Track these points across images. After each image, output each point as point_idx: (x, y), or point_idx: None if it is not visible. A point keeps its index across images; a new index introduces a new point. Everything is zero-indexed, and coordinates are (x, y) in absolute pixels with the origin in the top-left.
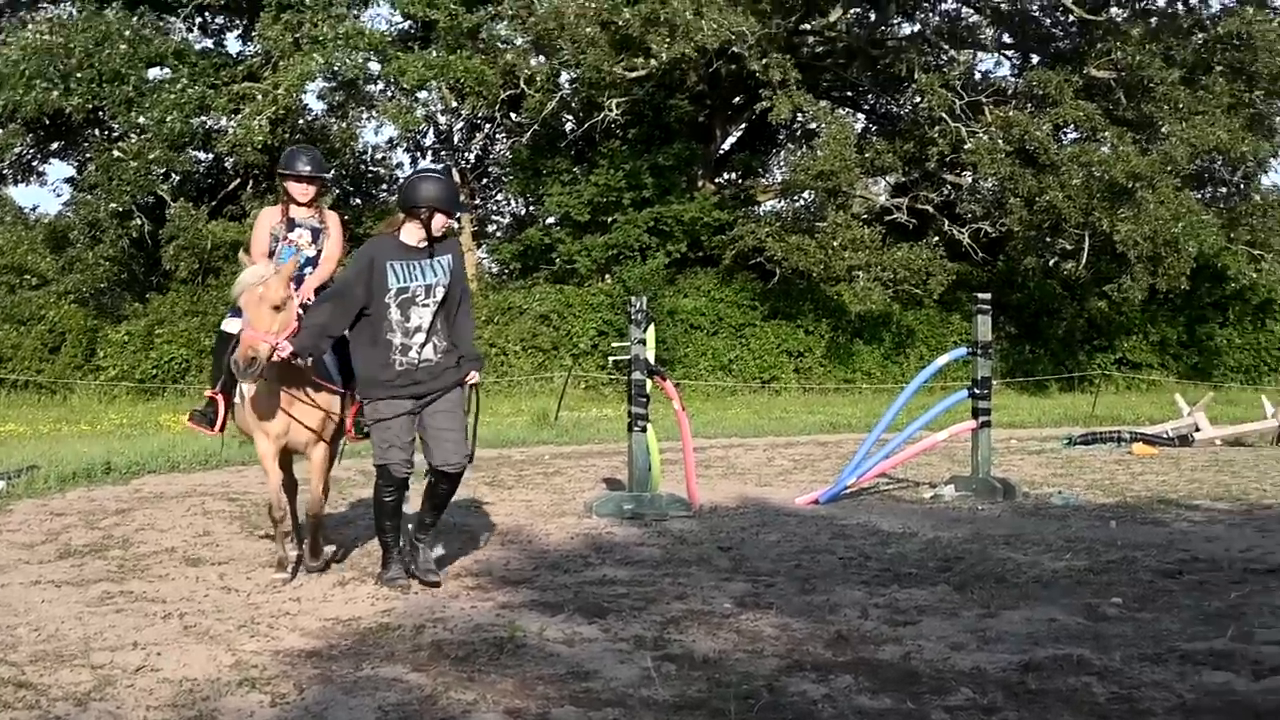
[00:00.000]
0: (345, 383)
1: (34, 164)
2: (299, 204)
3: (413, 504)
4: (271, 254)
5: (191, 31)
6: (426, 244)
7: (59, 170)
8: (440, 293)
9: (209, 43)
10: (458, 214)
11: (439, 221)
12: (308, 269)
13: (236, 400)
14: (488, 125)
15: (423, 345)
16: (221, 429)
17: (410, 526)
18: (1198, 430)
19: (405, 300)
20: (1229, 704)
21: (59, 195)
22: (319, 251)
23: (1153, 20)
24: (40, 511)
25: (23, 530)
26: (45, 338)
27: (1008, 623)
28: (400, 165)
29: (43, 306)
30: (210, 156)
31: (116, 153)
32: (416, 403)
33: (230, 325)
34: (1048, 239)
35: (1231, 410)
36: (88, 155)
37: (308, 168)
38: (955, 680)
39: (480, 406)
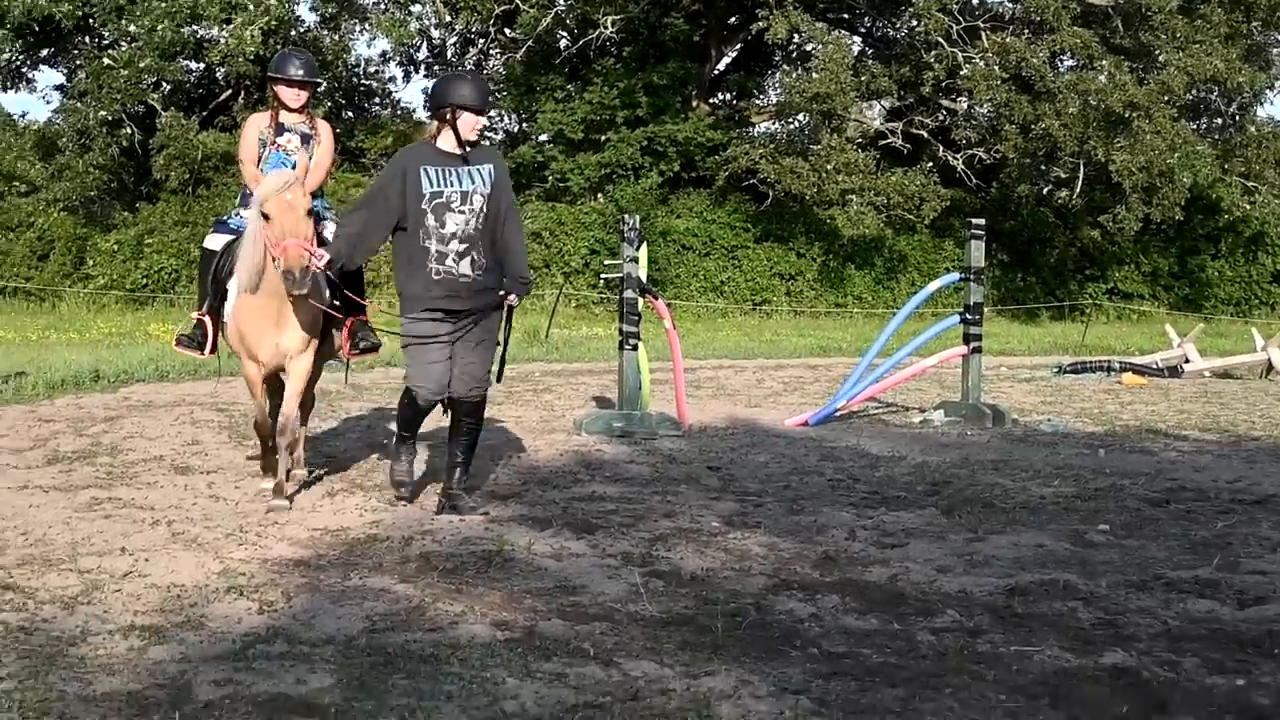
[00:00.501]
0: (343, 309)
1: (23, 70)
2: (290, 109)
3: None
4: (260, 160)
5: None
6: (459, 150)
7: (49, 77)
8: (478, 201)
9: None
10: (488, 113)
11: (468, 122)
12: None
13: (225, 320)
14: (481, 40)
15: (460, 255)
16: (212, 351)
17: (447, 469)
18: (1187, 361)
19: (439, 205)
20: (1213, 631)
21: (49, 102)
22: (310, 157)
23: None
24: (28, 418)
25: (10, 435)
26: (34, 245)
27: (994, 547)
28: (393, 79)
29: (31, 213)
30: (201, 66)
31: (107, 60)
32: (454, 325)
33: (214, 241)
34: (1042, 167)
35: (1221, 343)
36: (78, 62)
37: (300, 72)
38: (941, 603)
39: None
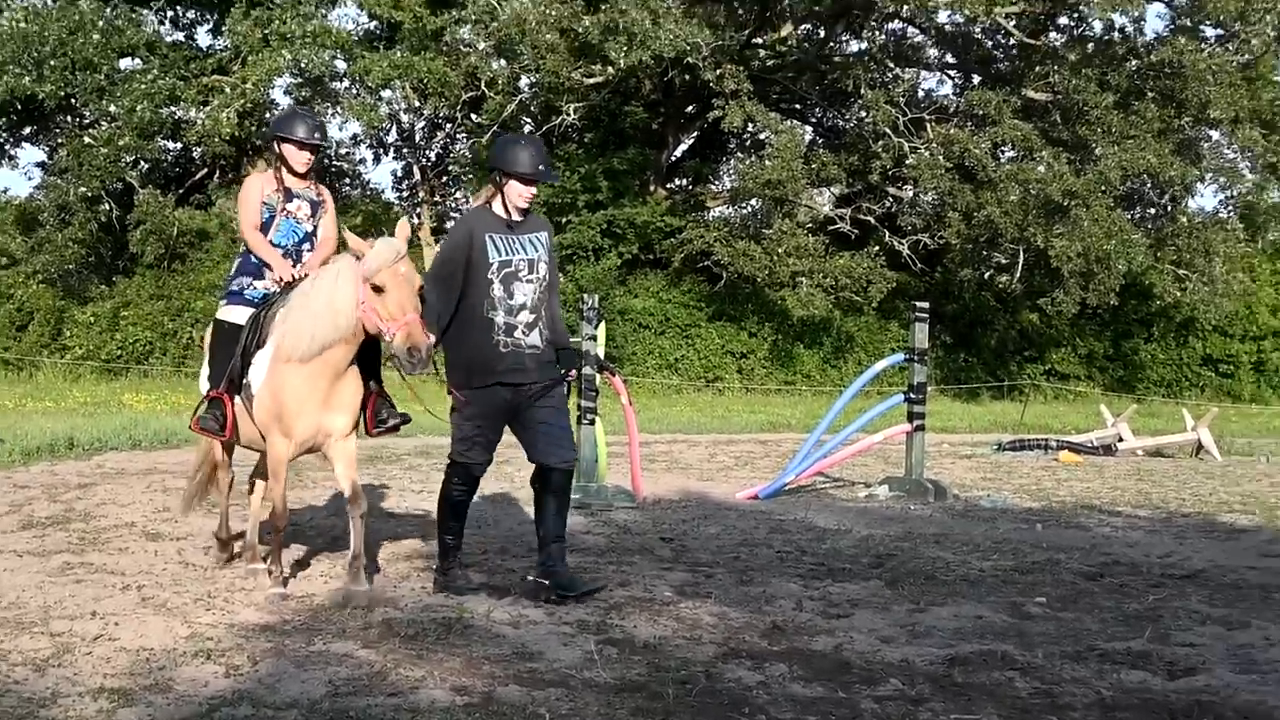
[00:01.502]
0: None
1: (5, 147)
2: (295, 173)
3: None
4: (266, 226)
5: (163, 24)
6: (518, 216)
7: (30, 154)
8: (542, 269)
9: (180, 36)
10: (542, 181)
11: (517, 190)
12: (305, 245)
13: (247, 396)
14: (449, 125)
15: (529, 327)
16: (232, 431)
17: (547, 553)
18: (1121, 440)
19: (508, 275)
20: (1145, 701)
21: (30, 179)
22: (314, 227)
23: (1089, 46)
24: (4, 484)
25: None
26: (13, 316)
27: (936, 618)
28: (363, 160)
29: (11, 285)
30: (178, 146)
31: (87, 139)
32: (516, 394)
33: (235, 314)
34: (984, 252)
35: (1153, 422)
36: (59, 140)
37: (314, 135)
38: (885, 671)
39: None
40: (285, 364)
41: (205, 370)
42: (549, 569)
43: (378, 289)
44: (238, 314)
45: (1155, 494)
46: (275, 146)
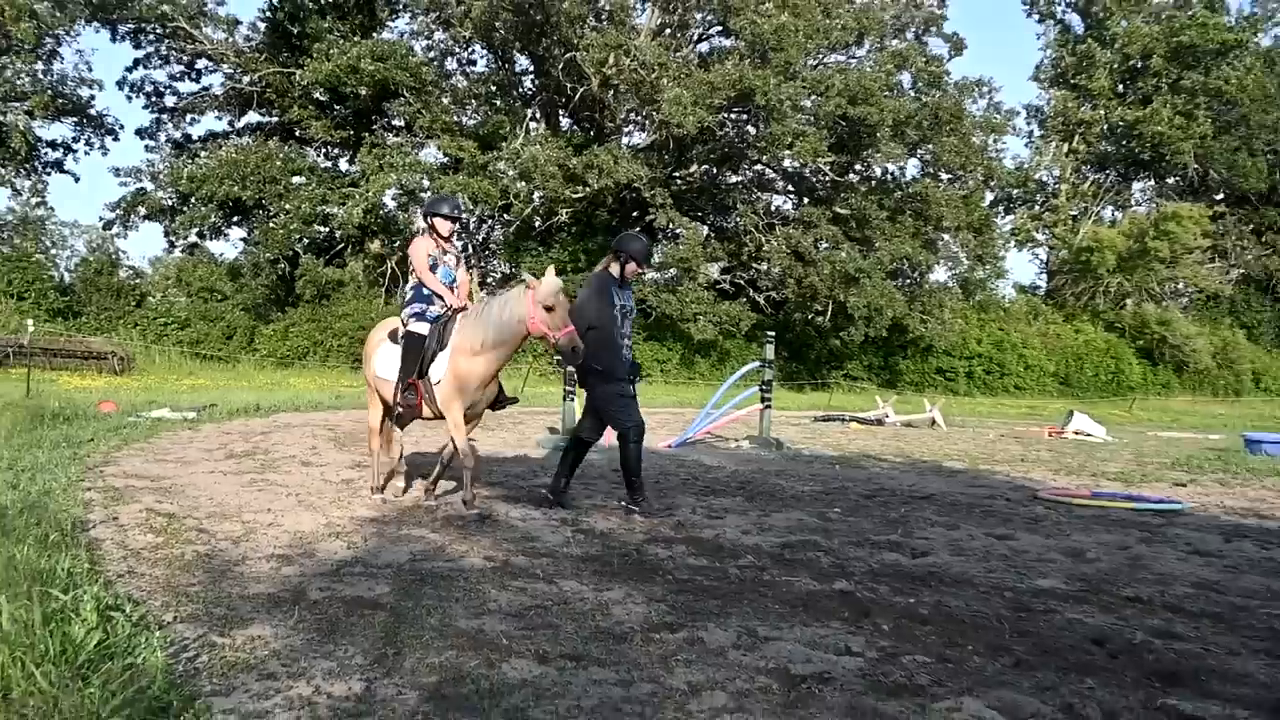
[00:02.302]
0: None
1: (222, 228)
2: (442, 236)
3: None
4: (434, 268)
5: (319, 156)
6: (623, 281)
7: (237, 232)
8: (633, 313)
9: (329, 163)
10: (645, 266)
11: (632, 269)
12: (454, 284)
13: (435, 380)
14: (490, 219)
15: (630, 345)
16: (420, 409)
17: (633, 487)
18: (888, 417)
19: (623, 314)
20: (897, 571)
21: (236, 248)
22: (459, 267)
23: (872, 181)
24: (216, 431)
25: (205, 442)
26: (225, 330)
27: (775, 520)
28: None
29: (224, 311)
30: (326, 229)
31: (272, 224)
32: (627, 385)
33: (423, 328)
34: (808, 303)
35: (906, 406)
36: (254, 225)
37: (456, 210)
38: (743, 550)
39: None
40: (463, 355)
41: (379, 365)
42: (636, 499)
43: (549, 308)
44: (423, 328)
45: (907, 449)
46: (428, 220)
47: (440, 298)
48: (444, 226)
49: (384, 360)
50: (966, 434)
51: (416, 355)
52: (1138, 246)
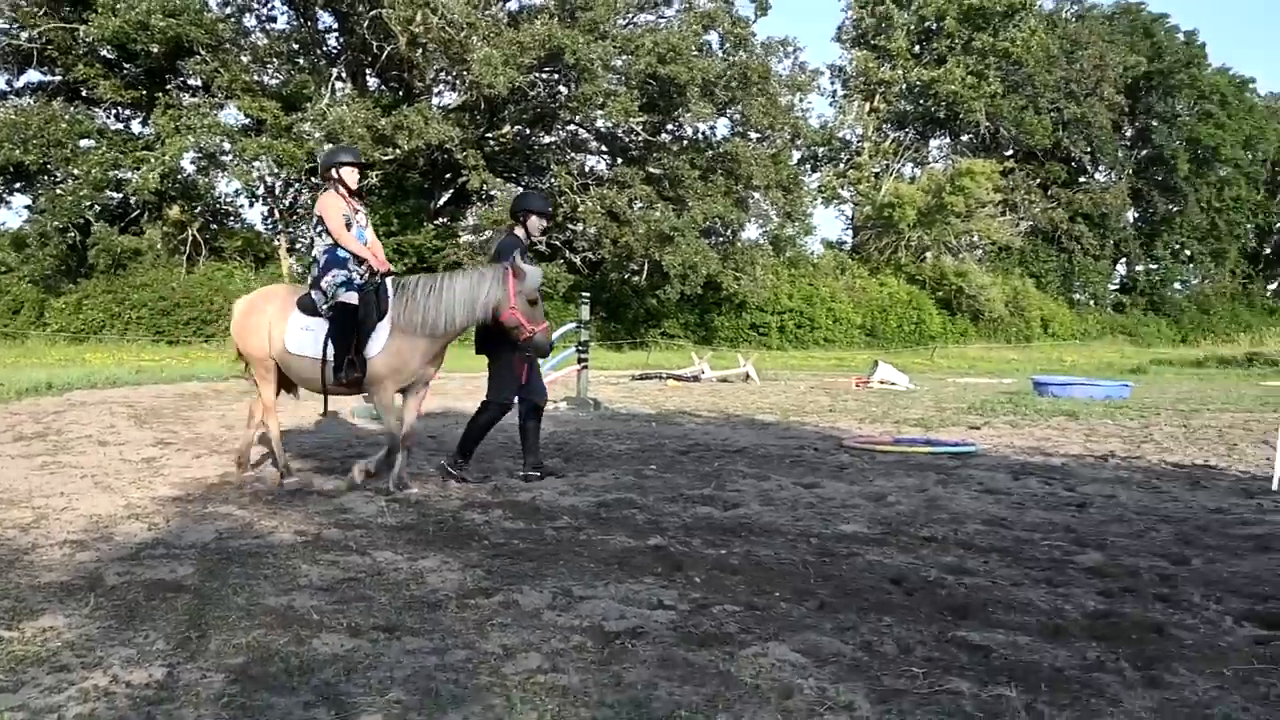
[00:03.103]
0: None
1: (3, 196)
2: (351, 191)
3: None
4: (348, 227)
5: (110, 118)
6: (531, 239)
7: (20, 200)
8: None
9: (120, 125)
10: (547, 218)
11: (535, 223)
12: (368, 243)
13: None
14: (297, 183)
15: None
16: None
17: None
18: (704, 373)
19: None
20: (710, 525)
21: (20, 216)
22: (367, 227)
23: (684, 141)
24: (3, 413)
25: None
26: (10, 304)
27: (591, 480)
28: (242, 206)
29: (9, 285)
30: (120, 195)
31: (59, 191)
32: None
33: (350, 297)
34: (625, 263)
35: (721, 362)
36: (40, 192)
37: (360, 157)
38: (560, 511)
39: None
40: (407, 333)
41: (291, 339)
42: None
43: (532, 302)
44: (354, 298)
45: (721, 404)
46: (335, 173)
47: (362, 260)
48: (351, 177)
49: (298, 333)
50: (778, 387)
51: (352, 328)
52: (935, 202)
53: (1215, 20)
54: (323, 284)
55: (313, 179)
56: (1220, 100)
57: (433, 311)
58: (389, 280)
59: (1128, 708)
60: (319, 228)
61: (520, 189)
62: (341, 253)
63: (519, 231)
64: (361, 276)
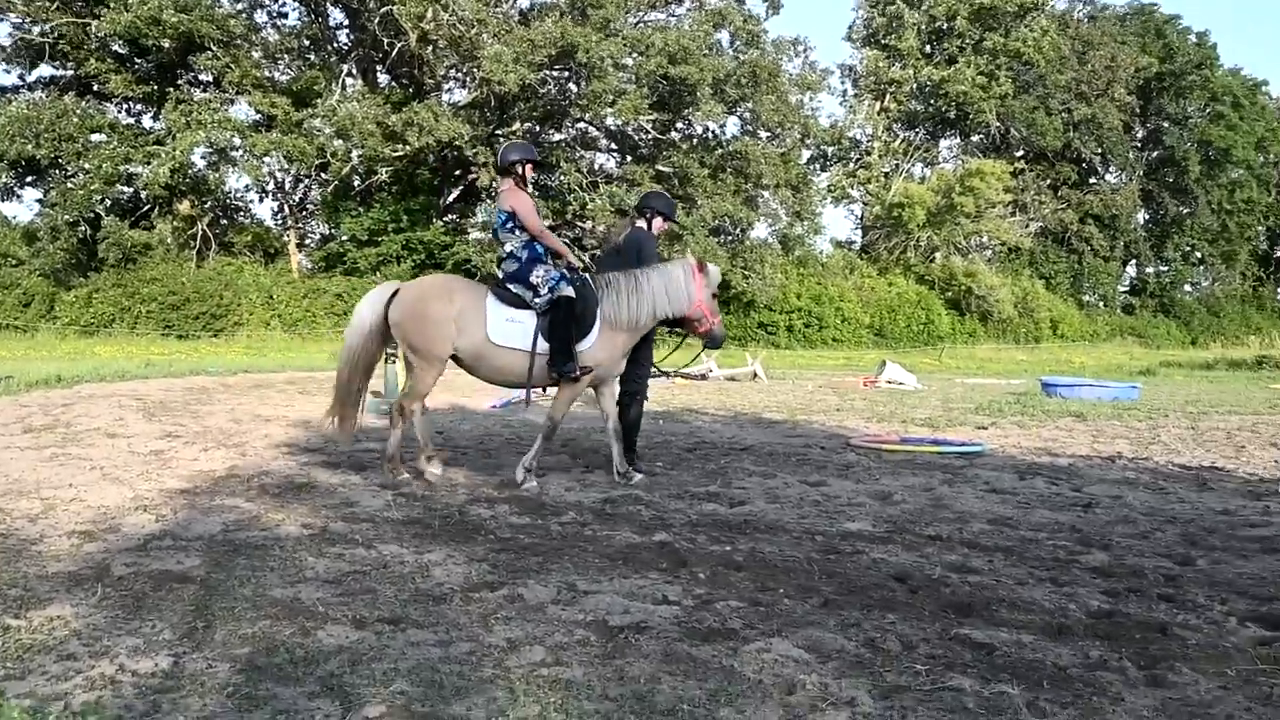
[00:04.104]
0: None
1: (14, 189)
2: (528, 185)
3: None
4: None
5: (121, 113)
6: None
7: (31, 194)
8: None
9: (131, 120)
10: (672, 221)
11: (660, 224)
12: None
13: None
14: (307, 179)
15: None
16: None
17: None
18: (712, 371)
19: None
20: (715, 521)
21: (31, 210)
22: None
23: (694, 139)
24: (13, 405)
25: (0, 416)
26: (21, 297)
27: (597, 476)
28: (252, 201)
29: (20, 277)
30: (130, 190)
31: (70, 185)
32: None
33: (568, 290)
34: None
35: (729, 360)
36: (50, 186)
37: (536, 153)
38: (566, 507)
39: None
40: (612, 327)
41: (494, 330)
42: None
43: (715, 296)
44: (570, 291)
45: (729, 402)
46: (518, 169)
47: (560, 256)
48: (530, 173)
49: (503, 325)
50: (786, 386)
51: (571, 322)
52: (945, 202)
53: (1228, 22)
54: (532, 279)
55: (322, 175)
56: (1232, 102)
57: (636, 306)
58: (588, 276)
59: (1130, 706)
60: (509, 224)
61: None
62: (539, 248)
63: (640, 224)
64: (564, 272)
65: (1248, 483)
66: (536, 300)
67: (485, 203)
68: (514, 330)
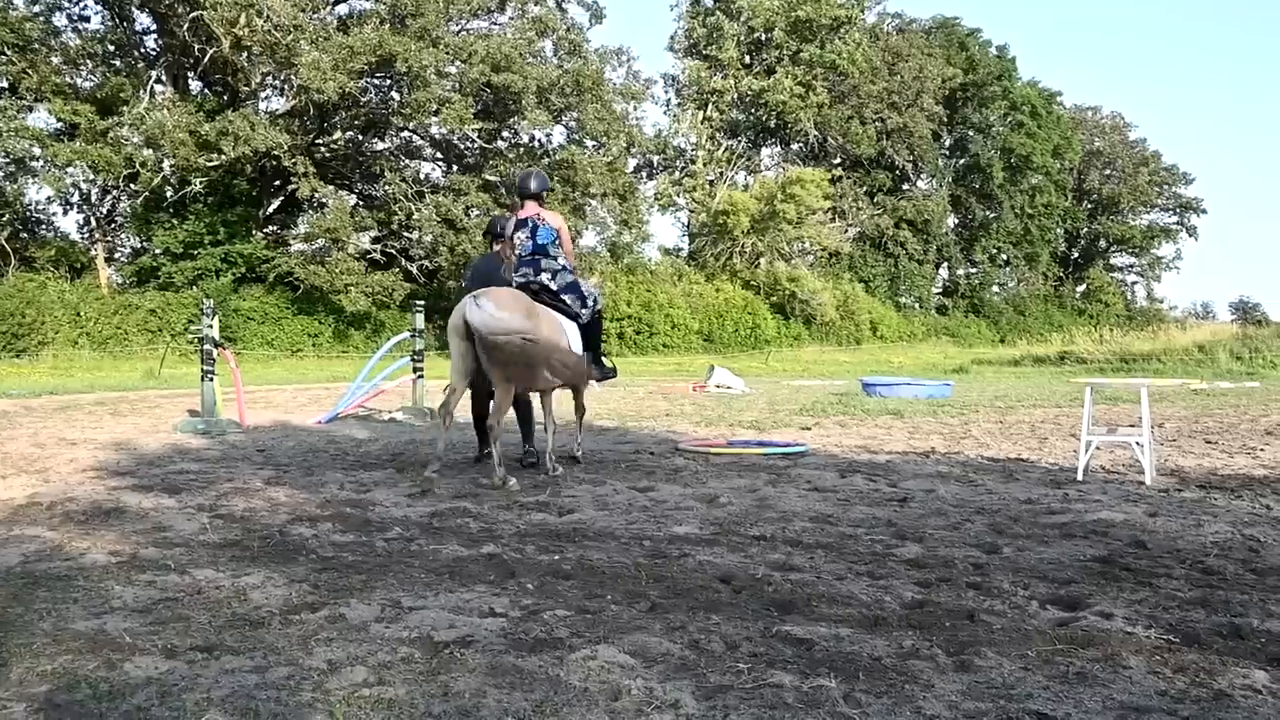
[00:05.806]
0: None
1: None
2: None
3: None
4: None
5: None
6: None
7: None
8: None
9: None
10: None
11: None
12: None
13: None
14: (115, 190)
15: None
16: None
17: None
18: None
19: None
20: (544, 530)
21: None
22: None
23: (520, 148)
24: None
25: None
26: None
27: (427, 490)
28: (55, 214)
29: None
30: None
31: None
32: None
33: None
34: (462, 272)
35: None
36: None
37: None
38: (392, 523)
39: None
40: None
41: (575, 338)
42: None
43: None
44: (603, 303)
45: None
46: (545, 195)
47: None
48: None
49: (575, 336)
50: (618, 393)
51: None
52: (768, 209)
53: (1024, 35)
54: (584, 291)
55: (132, 185)
56: (1031, 111)
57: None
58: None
59: (939, 692)
60: (557, 242)
61: (352, 196)
62: (570, 269)
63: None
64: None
65: (1049, 472)
66: (583, 311)
67: (307, 214)
68: (576, 340)
